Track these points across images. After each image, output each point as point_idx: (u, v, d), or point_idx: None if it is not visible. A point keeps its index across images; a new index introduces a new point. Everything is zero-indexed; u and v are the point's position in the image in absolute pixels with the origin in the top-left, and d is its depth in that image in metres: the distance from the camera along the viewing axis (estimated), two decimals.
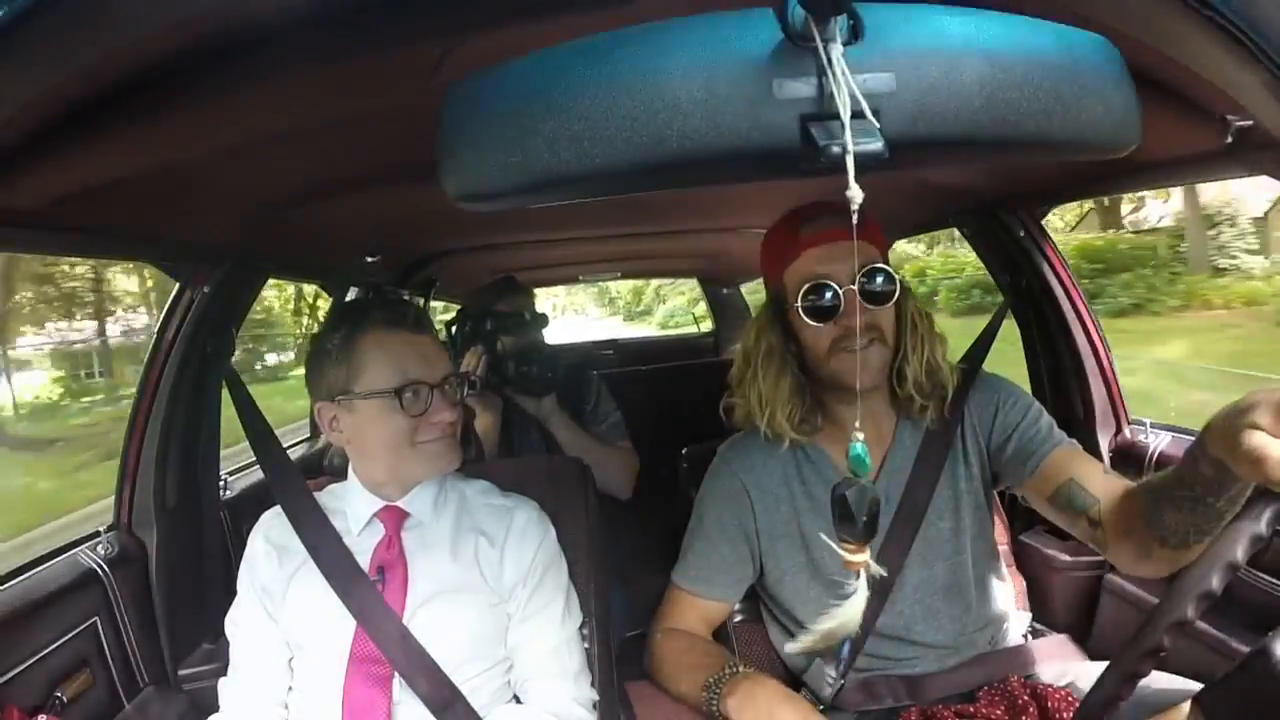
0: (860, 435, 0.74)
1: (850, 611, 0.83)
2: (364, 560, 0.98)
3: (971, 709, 0.98)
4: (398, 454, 0.96)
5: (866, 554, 0.81)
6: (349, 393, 0.95)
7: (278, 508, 1.03)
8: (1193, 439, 0.74)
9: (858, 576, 0.83)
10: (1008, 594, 1.12)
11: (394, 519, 1.01)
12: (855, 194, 0.46)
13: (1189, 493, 0.79)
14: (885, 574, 0.91)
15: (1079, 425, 1.55)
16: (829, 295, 0.96)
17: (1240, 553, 0.61)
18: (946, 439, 1.05)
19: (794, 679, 1.09)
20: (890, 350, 0.99)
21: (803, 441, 1.04)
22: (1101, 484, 0.95)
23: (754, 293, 3.81)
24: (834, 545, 0.81)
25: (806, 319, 0.96)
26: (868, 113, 0.45)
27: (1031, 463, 1.00)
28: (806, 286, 0.96)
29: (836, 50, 0.45)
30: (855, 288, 0.95)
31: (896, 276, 0.97)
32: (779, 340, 1.02)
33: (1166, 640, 0.63)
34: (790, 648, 0.93)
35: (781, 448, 1.07)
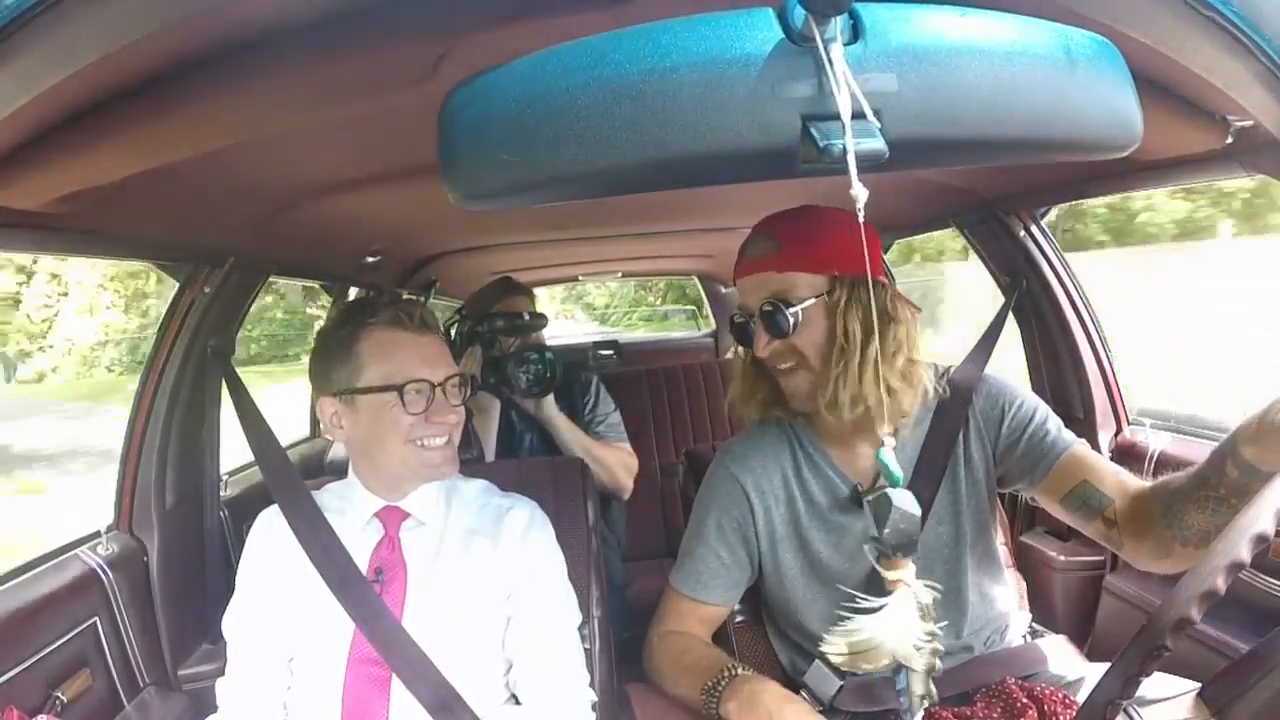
0: (891, 441, 0.73)
1: (889, 625, 0.82)
2: (363, 561, 0.98)
3: (969, 712, 0.98)
4: (398, 453, 0.97)
5: (910, 568, 0.80)
6: (352, 389, 0.96)
7: (276, 506, 1.03)
8: (1195, 439, 0.74)
9: (896, 594, 0.83)
10: (1007, 596, 1.12)
11: (393, 519, 1.01)
12: (859, 192, 0.46)
13: (1213, 494, 0.80)
14: (928, 588, 0.85)
15: (1079, 425, 1.55)
16: (742, 324, 1.02)
17: (1246, 551, 0.61)
18: (948, 440, 1.05)
19: (793, 681, 1.08)
20: (817, 372, 0.98)
21: (800, 421, 1.06)
22: (1115, 484, 0.95)
23: None
24: (878, 567, 0.81)
25: (737, 343, 1.03)
26: (868, 112, 0.45)
27: (1043, 466, 1.00)
28: (732, 314, 1.03)
29: (837, 50, 0.45)
30: (757, 318, 0.99)
31: (796, 308, 0.95)
32: (746, 355, 1.06)
33: (1170, 641, 0.63)
34: (825, 646, 0.89)
35: (781, 448, 1.07)
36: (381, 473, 1.00)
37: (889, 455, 0.75)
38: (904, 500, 0.76)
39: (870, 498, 0.74)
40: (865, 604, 0.82)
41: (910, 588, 0.81)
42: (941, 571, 1.04)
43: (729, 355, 3.44)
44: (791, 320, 0.96)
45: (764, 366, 1.03)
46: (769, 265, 0.98)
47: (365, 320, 0.97)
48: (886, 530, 0.75)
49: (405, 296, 2.09)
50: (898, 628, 0.86)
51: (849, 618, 0.83)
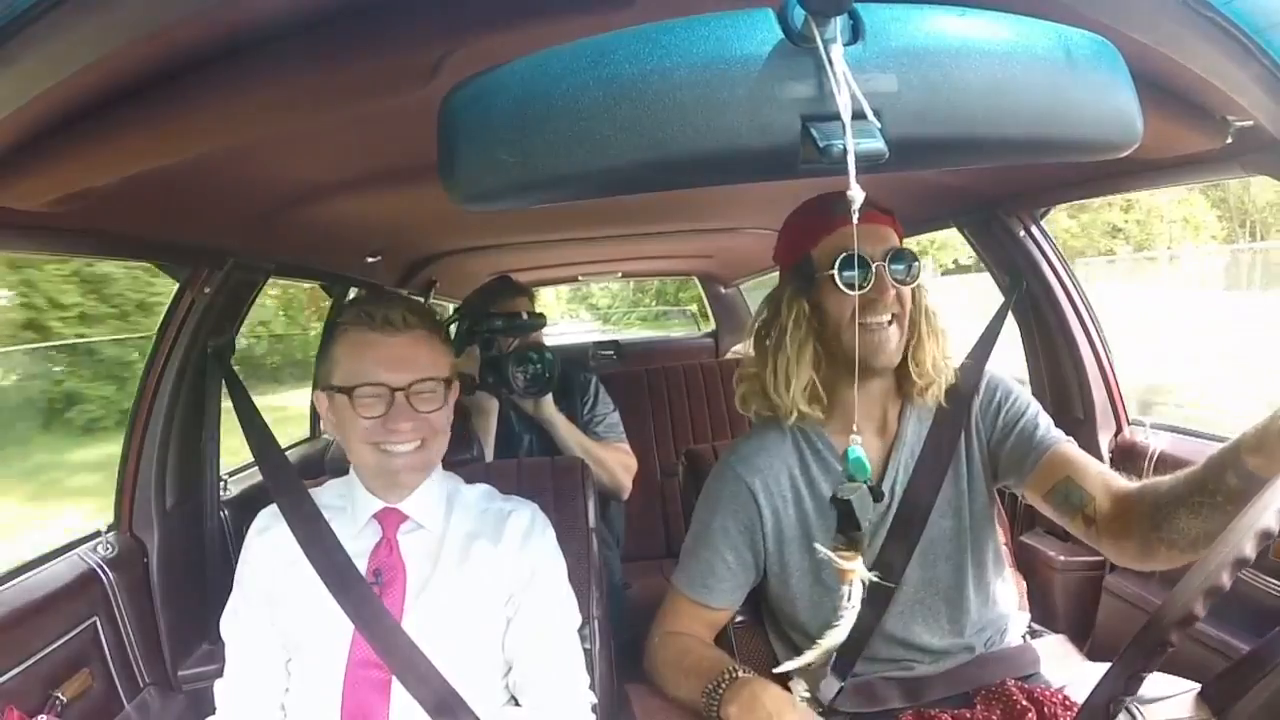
0: (858, 438, 0.74)
1: (844, 629, 0.84)
2: (361, 562, 0.98)
3: (969, 714, 0.98)
4: (359, 453, 0.97)
5: (858, 561, 0.81)
6: (328, 386, 0.97)
7: (274, 507, 1.03)
8: (1195, 439, 0.75)
9: (850, 585, 0.84)
10: (1008, 596, 1.12)
11: (391, 521, 1.01)
12: (856, 194, 0.46)
13: (1208, 500, 0.80)
14: (877, 579, 0.91)
15: (1079, 425, 1.55)
16: (863, 266, 0.98)
17: (1250, 548, 0.61)
18: (952, 435, 1.05)
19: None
20: (906, 334, 1.02)
21: (811, 417, 1.04)
22: (1098, 482, 0.96)
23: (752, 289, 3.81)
24: (830, 555, 0.81)
25: (841, 286, 0.97)
26: (868, 113, 0.45)
27: (1030, 459, 1.01)
28: (843, 256, 0.98)
29: (837, 50, 0.45)
30: (884, 263, 0.98)
31: (920, 263, 1.01)
32: (806, 310, 1.02)
33: (1174, 637, 0.63)
34: (788, 667, 0.95)
35: (787, 447, 1.06)
36: (360, 471, 1.01)
37: (861, 451, 0.76)
38: (866, 494, 0.78)
39: (852, 495, 0.75)
40: (836, 620, 0.85)
41: (860, 577, 0.83)
42: (946, 567, 1.04)
43: (729, 355, 3.44)
44: (918, 268, 1.00)
45: (823, 329, 1.02)
46: (886, 224, 1.01)
47: (342, 318, 0.98)
48: (865, 524, 0.76)
49: (406, 296, 2.09)
50: (848, 627, 0.88)
51: (824, 639, 0.86)
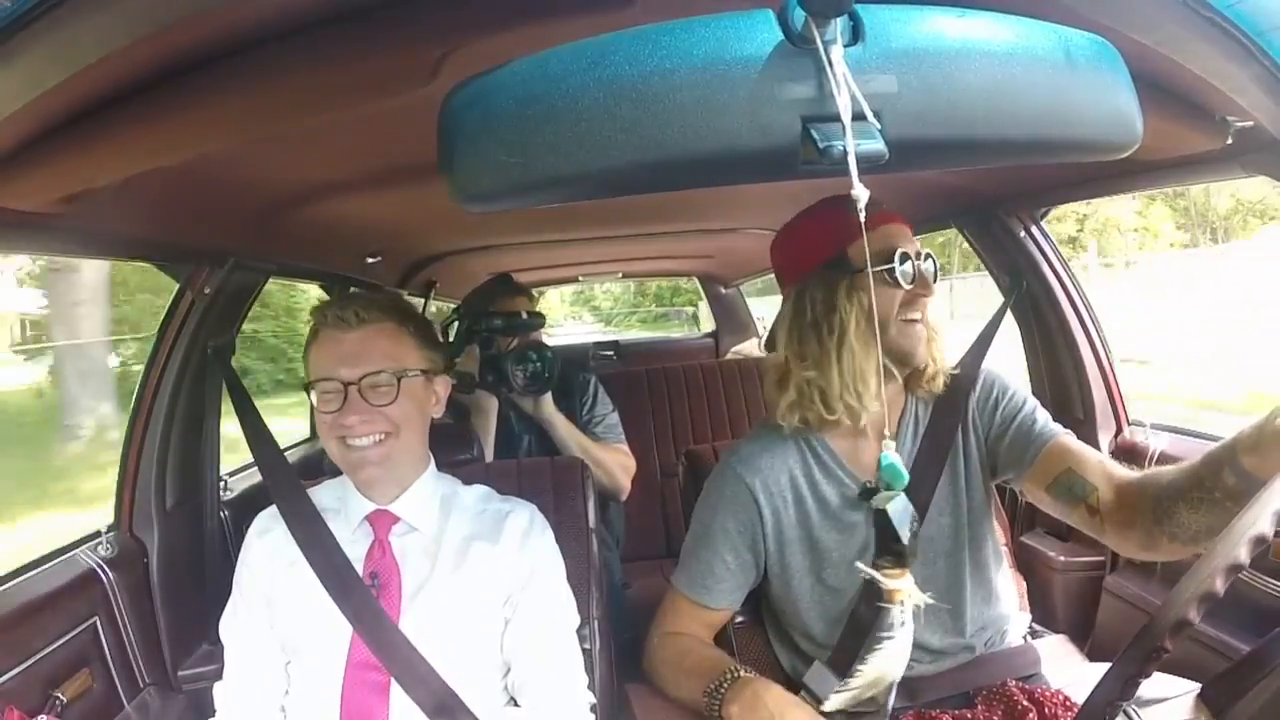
0: (891, 444, 0.73)
1: (895, 655, 0.83)
2: (358, 565, 0.98)
3: (970, 714, 0.98)
4: (332, 448, 0.98)
5: (908, 578, 0.80)
6: (303, 383, 1.00)
7: (273, 508, 1.03)
8: (1198, 439, 0.75)
9: (899, 606, 0.83)
10: (1008, 595, 1.12)
11: (383, 523, 1.01)
12: (860, 193, 0.46)
13: (1208, 496, 0.81)
14: (931, 600, 0.92)
15: (1079, 426, 1.54)
16: (909, 264, 0.99)
17: (1244, 554, 0.62)
18: (949, 432, 1.06)
19: (792, 682, 1.08)
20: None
21: (858, 412, 1.02)
22: (1099, 472, 0.96)
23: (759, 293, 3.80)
24: (875, 575, 0.80)
25: (899, 280, 0.97)
26: (868, 114, 0.45)
27: (1030, 452, 1.01)
28: (900, 252, 0.98)
29: (837, 51, 0.45)
30: (920, 262, 1.00)
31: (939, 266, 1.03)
32: (866, 304, 0.99)
33: (1169, 643, 0.63)
34: (831, 705, 0.94)
35: (789, 449, 1.06)
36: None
37: (895, 457, 0.75)
38: (906, 504, 0.76)
39: (886, 504, 0.74)
40: (878, 643, 0.84)
41: (911, 598, 0.82)
42: (944, 565, 1.04)
43: (729, 355, 3.44)
44: (938, 271, 1.02)
45: (882, 326, 0.99)
46: (910, 228, 1.03)
47: (314, 319, 1.00)
48: (909, 534, 0.75)
49: (387, 293, 2.09)
50: (901, 654, 0.87)
51: (859, 670, 0.86)
